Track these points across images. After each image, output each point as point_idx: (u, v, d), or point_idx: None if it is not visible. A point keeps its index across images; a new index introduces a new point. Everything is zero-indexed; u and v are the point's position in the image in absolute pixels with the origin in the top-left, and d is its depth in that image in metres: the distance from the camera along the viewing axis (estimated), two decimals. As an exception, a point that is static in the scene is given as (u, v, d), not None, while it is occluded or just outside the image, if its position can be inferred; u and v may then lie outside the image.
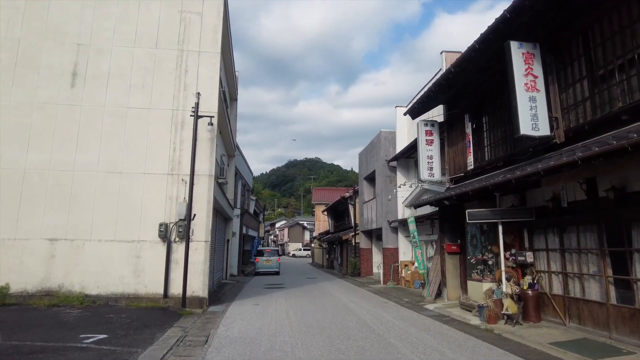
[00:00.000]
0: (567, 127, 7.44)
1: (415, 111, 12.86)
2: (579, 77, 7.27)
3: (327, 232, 34.67)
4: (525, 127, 7.40)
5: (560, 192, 7.82)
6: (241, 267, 25.48)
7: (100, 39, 11.67)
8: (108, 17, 11.80)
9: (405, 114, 13.38)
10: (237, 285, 18.17)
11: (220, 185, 15.55)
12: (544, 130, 7.46)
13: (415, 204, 12.43)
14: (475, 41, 8.57)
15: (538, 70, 7.69)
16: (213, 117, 11.58)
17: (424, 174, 12.39)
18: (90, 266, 10.60)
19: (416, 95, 16.62)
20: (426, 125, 12.62)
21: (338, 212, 31.37)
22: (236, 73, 19.55)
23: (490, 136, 10.38)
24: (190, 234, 10.97)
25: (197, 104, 11.41)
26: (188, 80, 11.85)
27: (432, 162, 12.43)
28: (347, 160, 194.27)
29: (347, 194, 25.09)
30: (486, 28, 8.14)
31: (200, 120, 11.41)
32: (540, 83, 7.65)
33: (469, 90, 11.05)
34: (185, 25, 12.12)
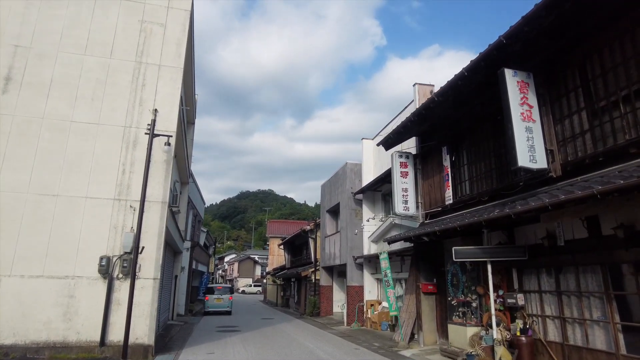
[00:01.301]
0: (565, 161, 7.04)
1: (389, 142, 12.32)
2: (576, 108, 6.94)
3: (282, 268, 33.06)
4: (523, 159, 6.90)
5: (555, 229, 7.32)
6: (189, 305, 23.27)
7: (44, 42, 10.21)
8: (56, 19, 10.42)
9: (378, 145, 12.82)
10: (185, 327, 16.22)
11: (173, 214, 14.02)
12: (541, 162, 7.00)
13: (389, 240, 11.65)
14: (464, 68, 8.17)
15: (533, 100, 7.33)
16: (171, 136, 10.33)
17: (399, 207, 11.72)
18: (5, 308, 8.68)
19: (385, 127, 16.28)
20: (401, 156, 12.09)
21: (296, 246, 30.06)
22: (196, 96, 18.40)
23: (471, 170, 9.93)
24: (137, 270, 9.41)
25: (154, 121, 10.15)
26: (145, 95, 10.60)
27: (407, 195, 11.82)
28: (301, 193, 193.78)
29: (308, 227, 24.01)
30: (477, 55, 7.77)
31: (156, 140, 10.12)
32: (536, 113, 7.27)
33: (448, 123, 10.68)
34: (145, 35, 10.99)
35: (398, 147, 12.59)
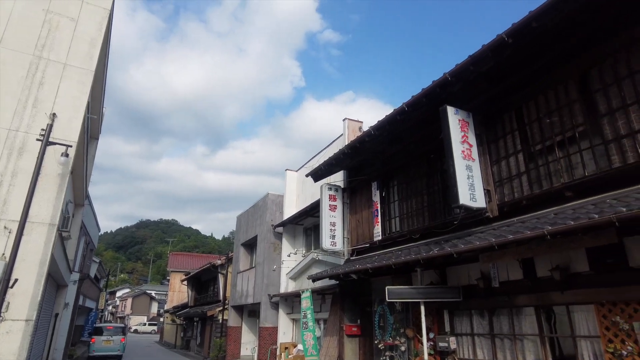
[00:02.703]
0: (501, 201, 7.11)
1: (318, 174, 11.88)
2: (513, 150, 7.12)
3: (185, 306, 30.20)
4: (464, 197, 6.81)
5: (490, 270, 7.27)
6: (69, 350, 19.75)
7: None
8: None
9: (307, 176, 12.31)
10: (61, 378, 13.45)
11: (62, 240, 11.80)
12: (480, 202, 6.98)
13: (315, 277, 10.93)
14: (405, 103, 8.12)
15: (472, 139, 7.40)
16: (70, 147, 8.68)
17: (326, 242, 11.15)
18: None
19: (310, 160, 15.94)
20: (330, 189, 11.67)
21: (202, 282, 27.76)
22: (104, 109, 16.38)
23: (402, 206, 9.80)
24: (3, 310, 7.41)
25: (51, 126, 8.46)
26: (42, 95, 8.89)
27: (334, 229, 11.33)
28: (208, 224, 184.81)
29: (219, 262, 22.26)
30: (420, 90, 7.76)
31: (50, 149, 8.39)
32: (475, 152, 7.33)
33: (380, 158, 10.58)
34: (50, 28, 9.38)
35: (327, 180, 12.20)
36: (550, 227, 5.10)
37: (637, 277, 5.24)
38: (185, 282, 30.93)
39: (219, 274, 22.62)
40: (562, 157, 6.28)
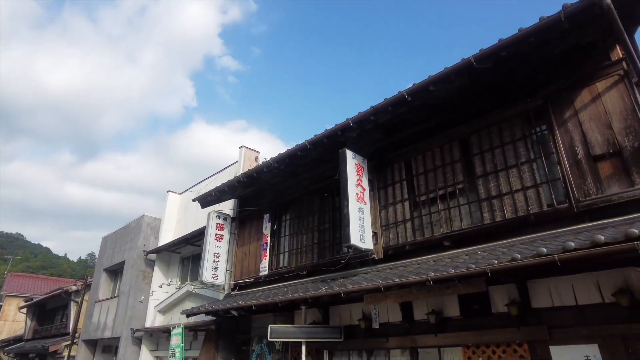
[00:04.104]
0: (386, 244, 7.49)
1: (208, 200, 11.22)
2: (400, 198, 7.63)
3: (19, 339, 25.25)
4: (355, 237, 7.03)
5: (372, 311, 7.51)
6: None
7: None
8: None
9: (194, 200, 11.52)
10: None
11: None
12: (368, 243, 7.27)
13: (190, 312, 10.03)
14: (307, 141, 8.25)
15: (365, 183, 7.77)
16: None
17: (207, 274, 10.43)
18: None
19: (197, 184, 15.14)
20: (219, 217, 11.10)
21: (48, 310, 23.65)
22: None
23: (292, 241, 9.73)
24: None
25: None
26: None
27: (218, 261, 10.71)
28: (62, 243, 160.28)
29: (74, 287, 19.26)
30: (324, 131, 7.98)
31: None
32: (367, 196, 7.68)
33: (275, 190, 10.49)
34: None
35: (215, 207, 11.61)
36: (433, 274, 5.47)
37: (497, 322, 5.89)
38: (24, 310, 26.02)
39: (72, 302, 19.57)
40: (443, 210, 6.91)
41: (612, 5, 4.84)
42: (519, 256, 4.70)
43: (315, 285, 7.91)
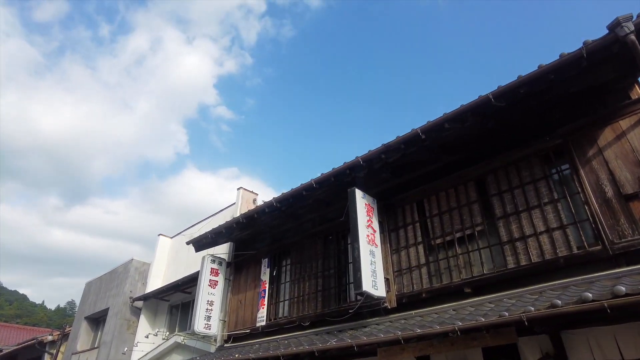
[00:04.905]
0: (400, 292, 6.95)
1: (202, 243, 10.64)
2: (413, 241, 7.18)
3: (-17, 396, 23.10)
4: (367, 284, 6.50)
5: (383, 366, 6.81)
6: None
7: None
8: None
9: (188, 244, 10.92)
10: None
11: None
12: (381, 290, 6.73)
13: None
14: (314, 180, 7.89)
15: (376, 224, 7.35)
16: None
17: (199, 324, 9.63)
18: None
19: (190, 227, 14.50)
20: (214, 262, 10.45)
21: (18, 364, 21.84)
22: None
23: (293, 289, 9.09)
24: None
25: None
26: None
27: (211, 309, 9.94)
28: (39, 290, 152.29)
29: (50, 337, 17.87)
30: (331, 169, 7.65)
31: None
32: (378, 238, 7.23)
33: (274, 233, 9.99)
34: None
35: (210, 251, 10.98)
36: (460, 323, 4.94)
37: (528, 380, 5.28)
38: (-8, 364, 24.01)
39: (46, 354, 18.08)
40: (461, 253, 6.46)
41: (637, 42, 4.76)
42: (560, 302, 4.24)
43: (320, 337, 7.26)
